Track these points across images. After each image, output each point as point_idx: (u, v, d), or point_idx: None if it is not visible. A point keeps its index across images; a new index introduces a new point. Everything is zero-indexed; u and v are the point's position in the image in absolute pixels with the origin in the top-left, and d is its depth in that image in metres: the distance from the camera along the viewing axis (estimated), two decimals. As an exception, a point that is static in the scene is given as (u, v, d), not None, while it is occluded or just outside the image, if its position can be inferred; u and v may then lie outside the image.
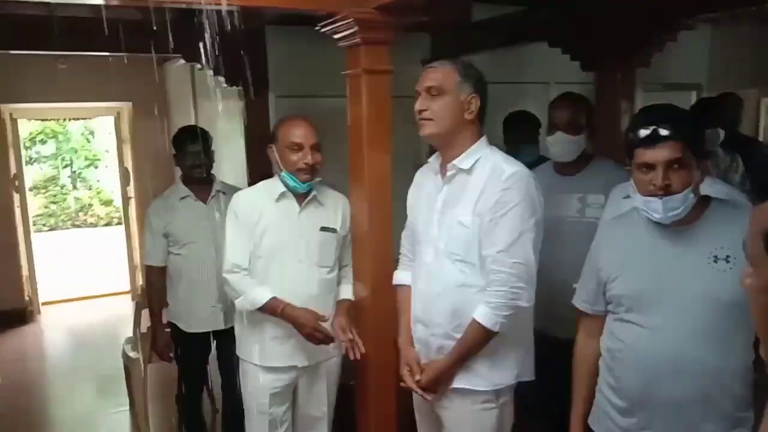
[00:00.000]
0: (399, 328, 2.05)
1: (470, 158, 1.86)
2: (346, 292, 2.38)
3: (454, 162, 1.87)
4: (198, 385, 3.08)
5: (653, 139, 1.52)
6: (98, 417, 3.86)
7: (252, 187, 2.46)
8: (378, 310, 2.26)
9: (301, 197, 2.31)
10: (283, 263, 2.27)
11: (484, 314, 1.77)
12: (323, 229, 2.31)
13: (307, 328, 2.19)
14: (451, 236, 1.86)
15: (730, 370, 1.52)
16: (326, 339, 2.20)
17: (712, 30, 4.72)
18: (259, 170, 3.54)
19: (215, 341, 2.96)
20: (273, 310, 2.22)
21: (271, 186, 2.33)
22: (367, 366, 2.28)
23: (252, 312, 2.28)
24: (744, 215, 1.25)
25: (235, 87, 3.49)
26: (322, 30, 2.23)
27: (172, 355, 2.95)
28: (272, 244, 2.26)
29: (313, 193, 2.31)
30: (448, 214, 1.88)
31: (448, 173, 1.90)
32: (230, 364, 2.76)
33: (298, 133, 2.24)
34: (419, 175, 2.10)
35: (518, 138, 3.03)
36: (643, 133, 1.54)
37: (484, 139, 1.91)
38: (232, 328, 2.51)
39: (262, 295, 2.22)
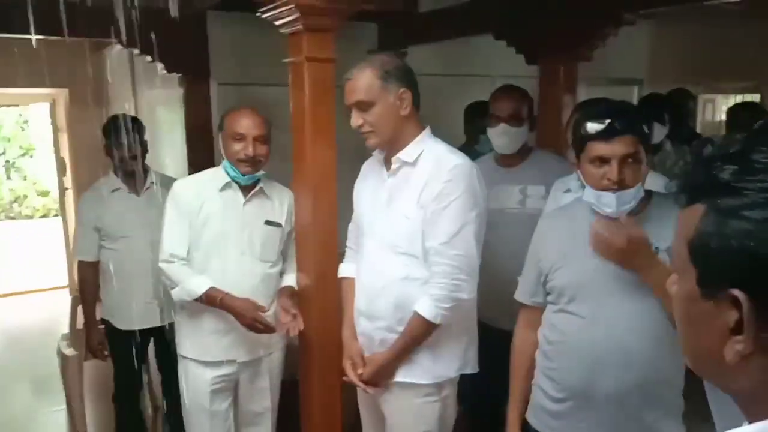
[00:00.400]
0: (343, 320, 2.02)
1: (414, 151, 1.84)
2: (290, 280, 2.34)
3: (399, 155, 1.85)
4: (133, 383, 2.95)
5: (609, 133, 1.53)
6: (34, 417, 3.71)
7: (195, 174, 2.39)
8: (322, 302, 2.21)
9: (246, 189, 2.25)
10: (224, 255, 2.21)
11: (425, 306, 1.76)
12: (267, 222, 2.26)
13: (247, 319, 2.13)
14: (394, 229, 1.84)
15: (668, 360, 1.55)
16: (266, 329, 2.14)
17: (653, 26, 4.83)
18: (198, 160, 3.46)
19: (152, 338, 2.87)
20: (211, 300, 2.15)
21: (216, 175, 2.27)
22: (311, 359, 2.24)
23: (191, 305, 2.21)
24: None
25: (171, 74, 3.38)
26: (264, 16, 2.15)
27: (106, 353, 2.85)
28: (214, 234, 2.19)
29: (260, 185, 2.26)
30: (392, 207, 1.86)
31: (393, 166, 1.87)
32: (169, 362, 2.70)
33: (243, 123, 2.19)
34: (365, 168, 2.07)
35: (479, 128, 3.03)
36: (599, 126, 1.55)
37: (427, 130, 1.89)
38: (170, 325, 2.43)
39: (199, 285, 2.15)
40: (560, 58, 2.72)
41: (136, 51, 3.22)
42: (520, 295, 1.80)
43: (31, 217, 10.35)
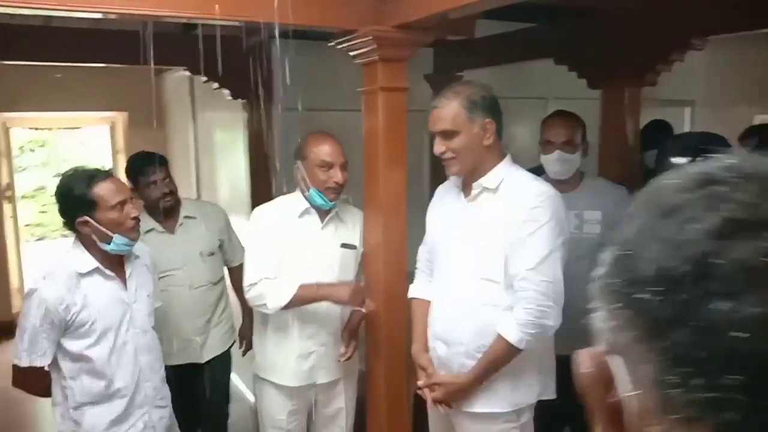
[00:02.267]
0: (413, 338, 2.05)
1: (496, 177, 1.88)
2: None
3: (480, 181, 1.89)
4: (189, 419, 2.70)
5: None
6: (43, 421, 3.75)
7: (272, 201, 2.43)
8: (391, 324, 2.25)
9: (323, 213, 2.30)
10: (305, 280, 2.23)
11: (510, 330, 1.78)
12: (344, 245, 2.30)
13: (345, 296, 2.16)
14: (475, 254, 1.87)
15: None
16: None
17: (706, 46, 4.79)
18: (260, 181, 3.55)
19: (192, 375, 2.78)
20: (308, 294, 2.17)
21: (294, 202, 2.31)
22: (379, 379, 2.27)
23: (274, 329, 2.27)
24: None
25: (239, 99, 3.48)
26: (339, 47, 2.23)
27: None
28: (294, 260, 2.24)
29: (335, 209, 2.31)
30: (472, 233, 1.89)
31: (473, 192, 1.91)
32: (212, 396, 2.73)
33: (329, 151, 2.22)
34: (440, 192, 2.11)
35: None
36: (683, 161, 1.61)
37: (508, 157, 1.93)
38: (213, 360, 2.50)
39: (290, 287, 2.16)
40: (625, 83, 2.72)
41: (204, 78, 3.34)
42: None
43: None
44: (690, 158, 1.60)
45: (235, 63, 3.30)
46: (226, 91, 3.40)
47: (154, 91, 5.45)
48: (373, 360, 2.30)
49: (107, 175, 1.95)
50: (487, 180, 1.89)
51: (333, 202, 2.26)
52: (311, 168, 2.24)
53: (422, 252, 2.15)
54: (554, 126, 2.45)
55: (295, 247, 2.25)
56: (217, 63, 3.24)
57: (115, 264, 2.00)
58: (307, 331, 2.26)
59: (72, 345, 1.90)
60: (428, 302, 2.05)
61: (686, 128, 5.35)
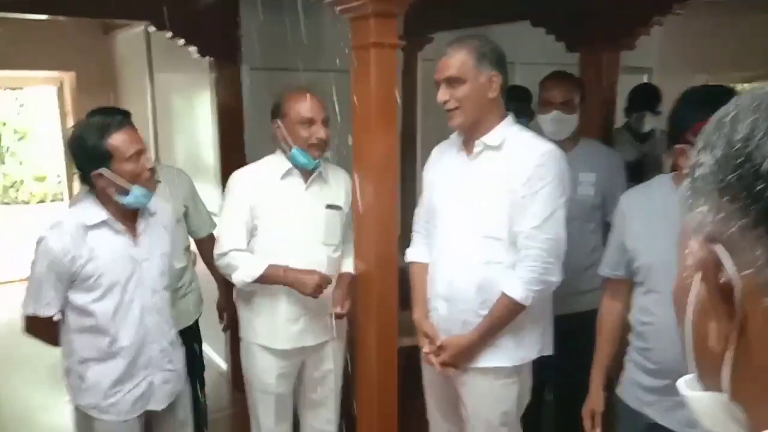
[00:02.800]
0: (413, 303, 2.04)
1: (498, 135, 1.87)
2: (347, 265, 2.34)
3: (482, 139, 1.87)
4: None
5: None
6: (43, 410, 3.63)
7: (252, 165, 2.35)
8: (381, 286, 2.22)
9: (306, 174, 2.24)
10: (289, 243, 2.20)
11: (515, 288, 1.80)
12: (329, 206, 2.26)
13: (308, 287, 2.11)
14: (478, 212, 1.86)
15: None
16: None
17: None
18: (230, 145, 3.44)
19: None
20: (274, 276, 2.14)
21: (276, 162, 2.25)
22: (369, 343, 2.26)
23: (262, 293, 2.22)
24: None
25: (204, 57, 3.34)
26: (326, 1, 2.14)
27: None
28: (278, 223, 2.19)
29: (319, 169, 2.26)
30: (474, 191, 1.88)
31: (475, 149, 1.89)
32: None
33: (309, 107, 2.17)
34: (437, 152, 2.09)
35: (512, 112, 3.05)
36: (700, 115, 1.51)
37: (510, 116, 1.93)
38: (183, 330, 2.44)
39: (258, 265, 2.15)
40: (604, 47, 2.74)
41: (169, 34, 3.18)
42: (603, 268, 1.90)
43: (27, 203, 10.18)
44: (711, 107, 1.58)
45: (203, 18, 3.18)
46: (192, 49, 3.25)
47: (109, 48, 5.19)
48: (364, 321, 2.27)
49: (121, 124, 1.87)
50: (490, 138, 1.87)
51: (317, 161, 2.21)
52: (292, 126, 2.18)
53: (419, 213, 2.13)
54: (552, 86, 2.45)
55: (278, 209, 2.19)
56: (184, 18, 3.12)
57: (128, 219, 1.93)
58: (296, 295, 2.21)
59: (77, 298, 1.86)
60: (427, 265, 2.04)
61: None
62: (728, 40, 4.68)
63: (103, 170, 1.82)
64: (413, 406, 2.29)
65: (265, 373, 2.28)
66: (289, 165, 2.21)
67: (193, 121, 4.01)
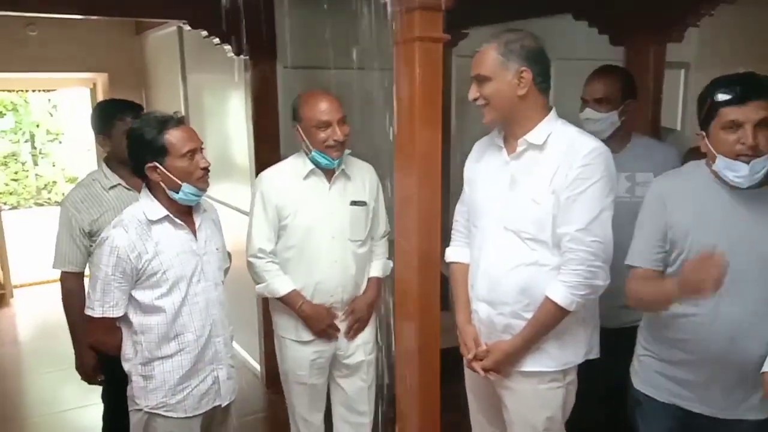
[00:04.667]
0: (456, 306, 1.98)
1: (542, 133, 1.80)
2: (375, 269, 2.39)
3: (525, 137, 1.81)
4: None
5: (743, 97, 1.56)
6: (74, 412, 3.64)
7: (277, 165, 2.39)
8: (423, 287, 2.18)
9: (329, 173, 2.28)
10: (317, 242, 2.25)
11: (559, 293, 1.73)
12: (353, 203, 2.29)
13: (318, 328, 2.26)
14: (521, 213, 1.80)
15: None
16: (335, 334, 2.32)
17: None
18: (265, 144, 3.42)
19: None
20: (291, 304, 2.25)
21: (298, 164, 2.29)
22: (410, 341, 2.20)
23: None
24: None
25: (239, 57, 3.31)
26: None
27: (101, 378, 2.40)
28: (304, 223, 2.23)
29: (342, 167, 2.28)
30: (517, 191, 1.82)
31: (519, 148, 1.83)
32: None
33: (324, 109, 2.19)
34: (478, 149, 2.03)
35: None
36: (733, 91, 1.57)
37: (553, 112, 1.85)
38: None
39: (283, 287, 2.24)
40: (650, 39, 2.65)
41: (204, 33, 3.17)
42: (635, 259, 1.80)
43: (60, 204, 10.27)
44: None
45: (238, 17, 3.15)
46: (227, 47, 3.23)
47: (142, 48, 5.21)
48: (405, 321, 2.22)
49: (179, 121, 1.89)
50: (533, 136, 1.81)
51: (337, 160, 2.24)
52: (309, 129, 2.22)
53: (460, 212, 2.08)
54: (589, 82, 2.35)
55: (304, 209, 2.24)
56: (219, 16, 3.10)
57: (185, 214, 1.95)
58: (320, 290, 2.29)
59: (144, 295, 1.86)
60: (468, 266, 1.99)
61: (681, 90, 5.35)
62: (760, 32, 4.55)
63: (156, 164, 1.84)
64: (454, 409, 2.23)
65: (297, 364, 2.35)
66: (312, 165, 2.26)
67: (226, 120, 3.99)
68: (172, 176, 1.85)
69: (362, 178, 2.34)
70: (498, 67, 1.78)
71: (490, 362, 1.84)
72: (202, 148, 1.92)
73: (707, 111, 1.64)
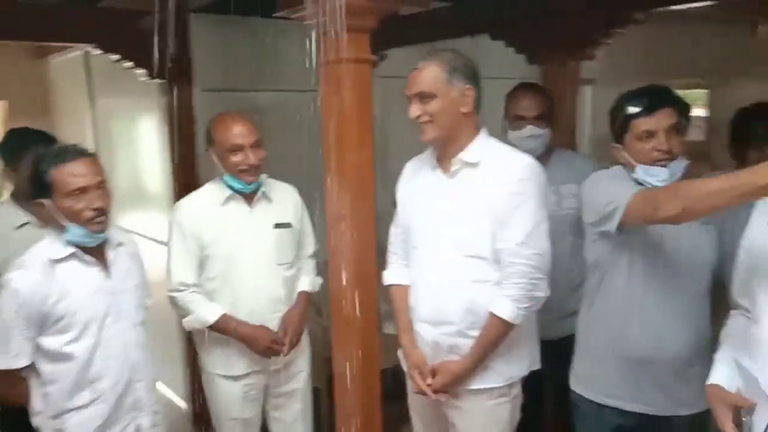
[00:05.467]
0: (399, 329, 1.96)
1: (476, 151, 1.82)
2: (303, 283, 2.33)
3: (460, 156, 1.82)
4: None
5: (652, 107, 1.66)
6: None
7: (193, 193, 2.30)
8: (361, 307, 2.13)
9: (249, 197, 2.20)
10: (241, 268, 2.17)
11: (504, 308, 1.73)
12: (278, 225, 2.22)
13: (260, 347, 2.14)
14: (461, 231, 1.80)
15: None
16: (280, 350, 2.18)
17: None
18: (184, 170, 3.28)
19: None
20: (225, 328, 2.13)
21: (216, 189, 2.21)
22: (351, 360, 2.14)
23: None
24: None
25: (153, 80, 3.18)
26: (294, 16, 2.06)
27: None
28: (227, 250, 2.14)
29: (262, 190, 2.21)
30: (455, 209, 1.82)
31: (453, 168, 1.84)
32: None
33: (237, 132, 2.12)
34: (410, 169, 2.02)
35: None
36: (641, 103, 1.68)
37: (484, 130, 1.88)
38: None
39: (212, 312, 2.12)
40: (565, 58, 2.75)
41: (116, 56, 3.02)
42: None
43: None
44: None
45: (152, 40, 3.02)
46: (141, 71, 3.09)
47: (43, 73, 4.93)
48: (343, 341, 2.17)
49: (78, 154, 1.72)
50: (467, 154, 1.82)
51: (253, 184, 2.18)
52: (222, 153, 2.16)
53: (394, 234, 2.06)
54: (524, 99, 2.35)
55: (225, 236, 2.16)
56: (132, 40, 2.97)
57: (96, 250, 1.79)
58: (254, 317, 2.20)
59: (51, 342, 1.69)
60: (408, 288, 1.97)
61: (588, 106, 5.60)
62: (667, 50, 4.84)
63: (45, 201, 1.69)
64: (398, 430, 2.20)
65: (228, 400, 2.25)
66: (230, 191, 2.18)
67: (138, 146, 3.82)
68: (57, 215, 1.70)
69: (284, 200, 2.30)
70: (443, 85, 1.79)
71: (440, 383, 1.82)
72: (102, 185, 1.75)
73: (620, 124, 1.74)
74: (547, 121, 2.35)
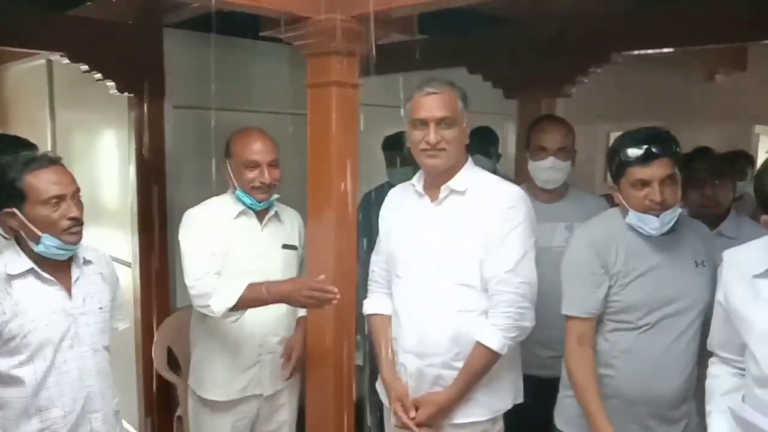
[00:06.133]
0: (380, 360, 1.91)
1: (464, 179, 1.82)
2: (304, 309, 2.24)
3: (449, 184, 1.81)
4: None
5: (648, 157, 1.65)
6: None
7: (204, 203, 2.21)
8: (338, 339, 2.08)
9: (261, 214, 2.17)
10: (247, 283, 2.04)
11: (491, 337, 1.72)
12: (285, 246, 2.19)
13: (301, 296, 1.90)
14: (448, 260, 1.78)
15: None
16: (326, 293, 1.86)
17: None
18: (149, 188, 3.19)
19: None
20: (256, 296, 1.95)
21: (229, 202, 2.16)
22: (326, 390, 2.10)
23: (210, 343, 2.13)
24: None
25: (122, 94, 3.09)
26: (284, 37, 2.03)
27: None
28: (235, 264, 2.07)
29: (275, 209, 2.19)
30: (443, 237, 1.80)
31: (441, 195, 1.82)
32: None
33: (255, 149, 2.09)
34: (395, 197, 2.01)
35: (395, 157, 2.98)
36: (638, 152, 1.67)
37: (470, 159, 1.88)
38: None
39: (237, 286, 1.95)
40: (542, 94, 2.80)
41: (84, 67, 2.92)
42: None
43: None
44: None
45: (123, 52, 2.95)
46: (110, 84, 3.00)
47: (0, 82, 4.74)
48: (317, 369, 2.12)
49: (51, 161, 1.63)
50: (456, 182, 1.82)
51: (265, 203, 2.15)
52: (237, 167, 2.12)
53: (375, 263, 2.03)
54: (548, 131, 2.28)
55: (235, 249, 2.09)
56: (102, 50, 2.88)
57: (59, 268, 1.67)
58: (254, 338, 2.13)
59: None
60: (389, 318, 1.94)
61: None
62: (628, 90, 5.01)
63: (14, 210, 1.59)
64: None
65: (217, 428, 2.16)
66: (242, 206, 2.14)
67: (100, 161, 3.68)
68: (30, 225, 1.60)
69: (291, 223, 2.27)
70: (460, 113, 1.80)
71: (424, 416, 1.77)
72: (76, 195, 1.67)
73: (616, 168, 1.73)
74: (568, 154, 2.30)
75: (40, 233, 1.60)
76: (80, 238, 1.68)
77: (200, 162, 3.15)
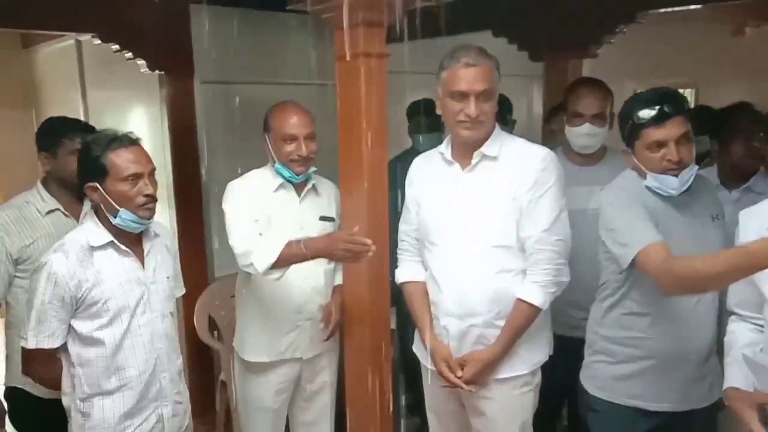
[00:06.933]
0: (420, 325, 1.98)
1: (495, 145, 1.86)
2: (340, 278, 2.32)
3: (481, 150, 1.86)
4: None
5: (662, 118, 1.65)
6: None
7: (244, 176, 2.28)
8: (374, 305, 2.15)
9: (299, 187, 2.23)
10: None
11: (533, 293, 1.79)
12: (322, 218, 2.24)
13: (339, 249, 1.91)
14: (485, 223, 1.84)
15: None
16: (363, 246, 1.88)
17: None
18: (184, 162, 3.27)
19: None
20: (295, 253, 2.00)
21: (267, 176, 2.22)
22: (362, 354, 2.16)
23: (254, 305, 2.22)
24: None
25: (153, 72, 3.15)
26: (310, 9, 2.06)
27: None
28: (274, 234, 2.12)
29: (312, 182, 2.24)
30: (478, 202, 1.85)
31: (473, 161, 1.87)
32: None
33: (292, 123, 2.14)
34: (421, 167, 2.05)
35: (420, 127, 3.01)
36: (652, 113, 1.67)
37: (498, 125, 1.91)
38: None
39: (276, 244, 2.02)
40: (568, 55, 2.79)
41: (115, 47, 2.99)
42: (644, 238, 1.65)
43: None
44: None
45: (152, 31, 3.00)
46: (141, 62, 3.06)
47: (31, 63, 4.84)
48: (354, 333, 2.19)
49: (131, 142, 1.76)
50: (487, 148, 1.86)
51: (302, 175, 2.19)
52: (275, 141, 2.17)
53: (405, 232, 2.07)
54: (585, 96, 2.23)
55: (275, 221, 2.16)
56: (132, 30, 2.94)
57: (132, 240, 1.81)
58: (293, 304, 2.21)
59: (82, 326, 1.72)
60: (424, 284, 1.99)
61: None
62: (653, 49, 4.92)
63: (96, 185, 1.72)
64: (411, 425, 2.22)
65: (262, 389, 2.26)
66: (281, 179, 2.20)
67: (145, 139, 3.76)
68: (110, 199, 1.73)
69: (328, 195, 2.32)
70: (496, 85, 1.83)
71: (470, 374, 1.84)
72: (152, 174, 1.79)
73: (630, 131, 1.73)
74: (605, 119, 2.24)
75: (118, 207, 1.72)
76: (153, 214, 1.80)
77: (230, 135, 3.24)
